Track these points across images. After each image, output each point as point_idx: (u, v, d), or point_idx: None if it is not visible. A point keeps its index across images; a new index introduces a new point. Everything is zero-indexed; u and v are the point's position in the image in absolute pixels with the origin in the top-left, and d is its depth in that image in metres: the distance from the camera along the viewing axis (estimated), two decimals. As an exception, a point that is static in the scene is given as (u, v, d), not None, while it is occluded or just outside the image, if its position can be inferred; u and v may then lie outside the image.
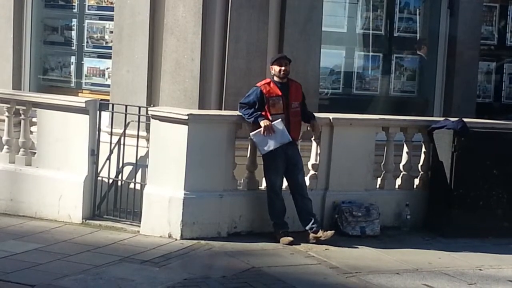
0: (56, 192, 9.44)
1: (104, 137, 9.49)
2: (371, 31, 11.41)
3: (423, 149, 10.08)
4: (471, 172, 9.63)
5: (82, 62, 10.96)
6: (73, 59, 11.05)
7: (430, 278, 7.91)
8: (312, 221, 8.92)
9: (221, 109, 9.77)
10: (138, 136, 9.37)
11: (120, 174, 9.61)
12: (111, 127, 9.46)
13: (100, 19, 10.87)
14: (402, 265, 8.32)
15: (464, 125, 9.67)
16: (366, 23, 11.37)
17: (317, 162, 9.48)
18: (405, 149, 10.04)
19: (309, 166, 9.49)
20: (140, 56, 10.09)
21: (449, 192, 9.62)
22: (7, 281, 7.06)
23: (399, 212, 9.86)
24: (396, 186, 10.03)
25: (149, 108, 9.31)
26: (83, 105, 9.37)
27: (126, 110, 9.47)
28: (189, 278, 7.40)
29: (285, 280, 7.55)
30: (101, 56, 10.84)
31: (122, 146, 9.58)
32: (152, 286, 7.14)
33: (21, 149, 9.85)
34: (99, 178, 9.48)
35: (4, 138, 9.94)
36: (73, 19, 11.02)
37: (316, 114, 9.69)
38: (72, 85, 11.06)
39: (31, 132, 9.98)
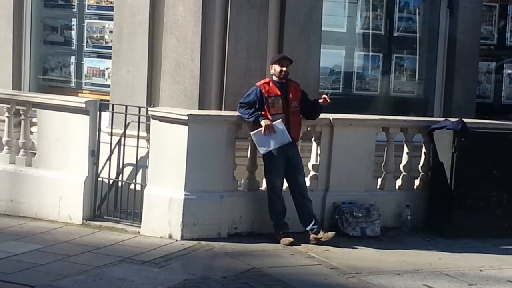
0: (56, 193, 9.44)
1: (104, 137, 9.49)
2: (371, 31, 11.41)
3: (423, 150, 10.08)
4: (471, 172, 9.63)
5: (82, 62, 10.95)
6: (73, 59, 11.05)
7: (431, 279, 7.91)
8: (313, 222, 8.91)
9: (221, 109, 9.77)
10: (138, 137, 9.36)
11: (121, 175, 9.60)
12: (111, 128, 9.46)
13: (99, 19, 10.87)
14: (403, 266, 8.32)
15: (464, 126, 9.66)
16: (366, 23, 11.37)
17: (317, 163, 9.48)
18: (405, 149, 10.04)
19: (310, 167, 9.48)
20: (140, 56, 10.08)
21: (449, 192, 9.62)
22: (7, 281, 7.06)
23: (399, 212, 9.86)
24: (397, 187, 10.03)
25: (149, 109, 9.31)
26: (83, 105, 9.37)
27: (126, 111, 9.46)
28: (189, 279, 7.40)
29: (286, 280, 7.55)
30: (101, 56, 10.84)
31: (122, 147, 9.57)
32: (153, 287, 7.14)
33: (21, 150, 9.85)
34: (100, 179, 9.48)
35: (4, 138, 9.94)
36: (73, 19, 11.02)
37: (316, 114, 9.73)
38: (72, 85, 11.05)
39: (31, 133, 9.98)
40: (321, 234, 8.87)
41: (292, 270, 7.95)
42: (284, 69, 8.91)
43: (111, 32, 10.59)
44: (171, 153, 8.86)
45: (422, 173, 10.09)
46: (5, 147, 9.92)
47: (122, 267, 7.70)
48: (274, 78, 8.97)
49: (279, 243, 8.82)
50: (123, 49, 10.20)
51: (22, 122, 9.84)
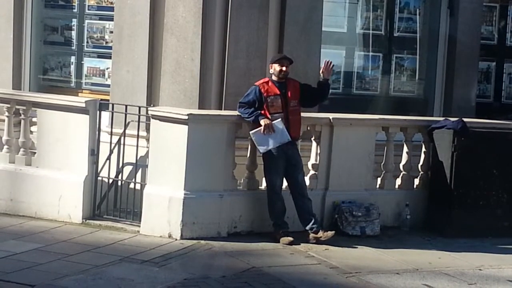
0: (56, 192, 9.44)
1: (104, 137, 9.49)
2: (371, 31, 11.41)
3: (423, 149, 10.09)
4: (471, 172, 9.64)
5: (82, 62, 10.96)
6: (73, 59, 11.05)
7: (430, 278, 7.90)
8: (312, 221, 8.91)
9: (221, 109, 9.77)
10: (138, 136, 9.36)
11: (120, 174, 9.61)
12: (111, 127, 9.46)
13: (100, 19, 10.88)
14: (402, 265, 8.32)
15: (464, 125, 9.67)
16: (366, 23, 11.38)
17: (317, 162, 9.48)
18: (405, 149, 10.04)
19: (309, 166, 9.49)
20: (140, 56, 10.09)
21: (449, 192, 9.62)
22: (7, 281, 7.06)
23: (399, 212, 9.87)
24: (396, 186, 10.04)
25: (149, 108, 9.31)
26: (83, 105, 9.37)
27: (126, 110, 9.47)
28: (189, 278, 7.40)
29: (285, 280, 7.54)
30: (101, 56, 10.85)
31: (122, 146, 9.58)
32: (152, 286, 7.14)
33: (21, 149, 9.85)
34: (99, 178, 9.48)
35: (4, 138, 9.94)
36: (73, 19, 11.02)
37: (316, 114, 9.73)
38: (72, 85, 11.06)
39: (31, 132, 9.98)
40: (320, 234, 8.87)
41: (292, 270, 7.95)
42: (283, 68, 8.91)
43: (111, 32, 10.60)
44: (171, 152, 8.87)
45: (421, 173, 10.09)
46: (5, 147, 9.93)
47: (122, 266, 7.70)
48: (274, 77, 8.98)
49: (279, 242, 8.82)
50: (123, 49, 10.21)
51: (22, 121, 9.85)
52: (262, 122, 8.71)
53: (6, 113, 9.91)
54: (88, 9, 10.93)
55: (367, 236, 9.30)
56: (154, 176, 8.96)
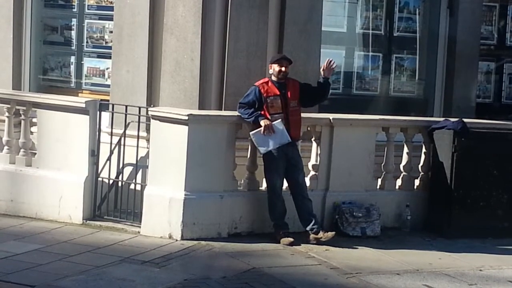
0: (56, 193, 9.44)
1: (104, 137, 9.49)
2: (371, 31, 11.41)
3: (423, 150, 10.08)
4: (471, 172, 9.63)
5: (82, 62, 10.96)
6: (73, 59, 11.05)
7: (431, 279, 7.91)
8: (313, 221, 8.91)
9: (221, 109, 9.77)
10: (138, 137, 9.36)
11: (121, 175, 9.60)
12: (111, 128, 9.46)
13: (99, 19, 10.87)
14: (403, 266, 8.32)
15: (464, 126, 9.67)
16: (366, 23, 11.37)
17: (317, 163, 9.48)
18: (405, 149, 10.03)
19: (310, 167, 9.48)
20: (140, 56, 10.09)
21: (449, 192, 9.62)
22: (7, 281, 7.06)
23: (399, 212, 9.86)
24: (397, 187, 10.03)
25: (149, 109, 9.31)
26: (83, 105, 9.37)
27: (126, 111, 9.46)
28: (189, 279, 7.40)
29: (286, 280, 7.54)
30: (101, 56, 10.84)
31: (122, 147, 9.58)
32: (153, 287, 7.14)
33: (21, 150, 9.85)
34: (100, 179, 9.48)
35: (4, 138, 9.94)
36: (73, 19, 11.02)
37: (316, 114, 9.72)
38: (72, 85, 11.06)
39: (31, 133, 9.98)
40: (321, 234, 8.87)
41: (292, 270, 7.95)
42: (283, 69, 8.90)
43: (111, 32, 10.60)
44: (171, 153, 8.86)
45: (422, 173, 10.09)
46: (5, 147, 9.93)
47: (122, 267, 7.70)
48: (273, 78, 8.97)
49: (279, 243, 8.82)
50: (123, 49, 10.21)
51: (22, 122, 9.85)
52: (262, 122, 8.71)
53: (6, 114, 9.91)
54: (88, 9, 10.92)
55: (367, 237, 9.30)
56: (155, 176, 8.95)
